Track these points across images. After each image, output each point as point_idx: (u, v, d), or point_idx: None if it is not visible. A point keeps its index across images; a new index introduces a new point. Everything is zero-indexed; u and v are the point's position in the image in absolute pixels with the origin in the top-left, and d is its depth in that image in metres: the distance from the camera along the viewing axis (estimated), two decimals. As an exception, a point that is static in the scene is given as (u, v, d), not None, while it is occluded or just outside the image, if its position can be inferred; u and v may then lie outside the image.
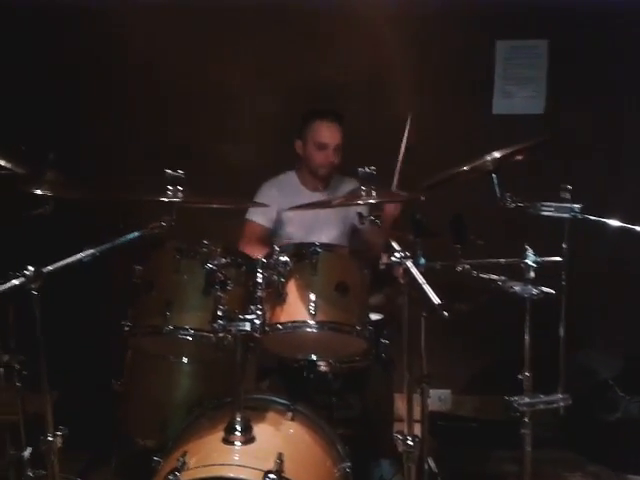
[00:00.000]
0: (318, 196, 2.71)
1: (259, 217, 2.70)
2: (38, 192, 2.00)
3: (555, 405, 1.81)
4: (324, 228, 2.71)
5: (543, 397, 1.81)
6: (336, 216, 2.74)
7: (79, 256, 1.83)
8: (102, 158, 3.21)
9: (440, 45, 3.19)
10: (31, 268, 1.67)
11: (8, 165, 2.07)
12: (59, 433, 1.75)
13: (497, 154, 1.94)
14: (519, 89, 3.25)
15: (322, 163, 2.67)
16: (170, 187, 1.95)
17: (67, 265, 1.79)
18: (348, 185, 2.70)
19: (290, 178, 2.79)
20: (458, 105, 3.20)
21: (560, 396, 1.82)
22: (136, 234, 1.96)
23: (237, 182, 3.07)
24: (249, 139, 3.25)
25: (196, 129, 3.26)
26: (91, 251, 1.84)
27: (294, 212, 2.62)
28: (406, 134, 2.50)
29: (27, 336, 1.76)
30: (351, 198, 2.25)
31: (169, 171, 1.98)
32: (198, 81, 3.24)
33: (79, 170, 2.08)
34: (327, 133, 2.66)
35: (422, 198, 1.99)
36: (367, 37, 3.20)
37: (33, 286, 1.67)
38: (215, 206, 2.15)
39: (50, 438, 1.72)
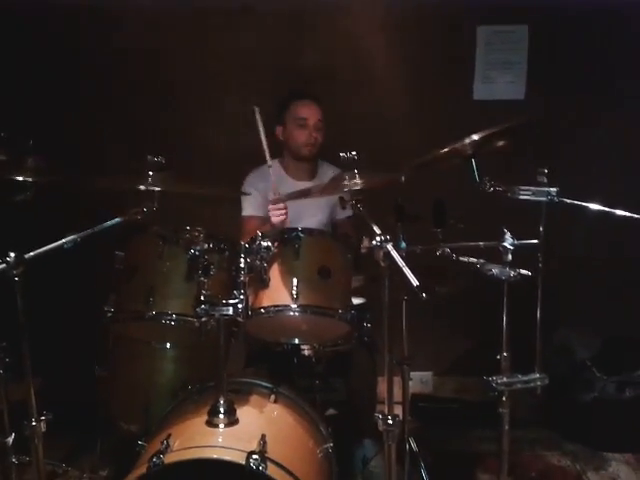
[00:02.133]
0: (303, 185, 2.70)
1: (253, 210, 2.71)
2: (19, 178, 2.00)
3: (532, 385, 1.85)
4: (311, 215, 2.71)
5: (521, 377, 1.85)
6: (323, 203, 2.75)
7: (61, 242, 1.83)
8: (84, 145, 3.18)
9: (421, 30, 3.20)
10: (12, 254, 1.66)
11: (-12, 152, 2.06)
12: (43, 418, 1.75)
13: (476, 136, 1.95)
14: (500, 74, 3.27)
15: (304, 141, 2.67)
16: (151, 173, 1.96)
17: (49, 251, 1.79)
18: (329, 172, 2.70)
19: (274, 167, 2.79)
20: (439, 91, 3.22)
21: (537, 376, 1.86)
22: (118, 220, 1.96)
23: (221, 170, 3.07)
24: (234, 128, 3.25)
25: (180, 117, 3.25)
26: (73, 237, 1.84)
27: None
28: (260, 127, 2.52)
29: (8, 323, 1.75)
30: (330, 187, 2.25)
31: (151, 157, 1.99)
32: (182, 68, 3.23)
33: (60, 156, 2.07)
34: (306, 109, 2.68)
35: (402, 178, 2.00)
36: (348, 23, 3.19)
37: (15, 272, 1.67)
38: (197, 192, 2.15)
39: (34, 423, 1.73)
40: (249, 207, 2.72)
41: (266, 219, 2.64)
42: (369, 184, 1.94)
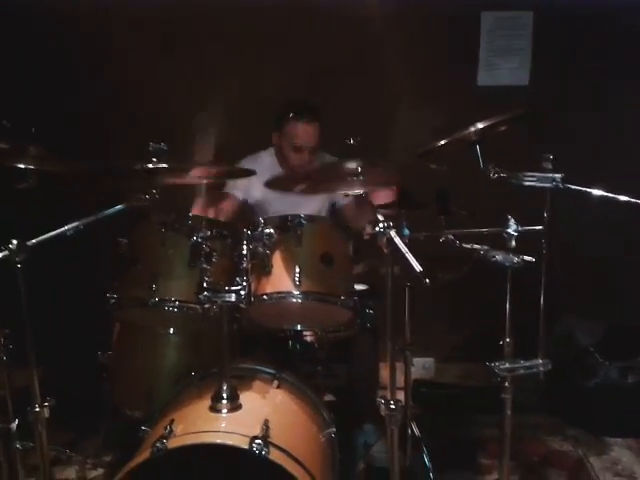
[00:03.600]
0: None
1: (236, 191, 2.72)
2: (21, 166, 1.99)
3: (535, 370, 1.85)
4: (308, 204, 2.69)
5: (523, 362, 1.85)
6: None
7: (63, 229, 1.82)
8: (86, 133, 3.18)
9: (425, 16, 3.17)
10: (15, 241, 1.67)
11: (-10, 139, 2.05)
12: (46, 404, 1.76)
13: (480, 125, 1.94)
14: (504, 61, 3.25)
15: (298, 164, 2.61)
16: (154, 159, 1.96)
17: (51, 238, 1.79)
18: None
19: (269, 156, 2.77)
20: (443, 77, 3.20)
21: (540, 361, 1.86)
22: (120, 207, 1.96)
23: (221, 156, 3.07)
24: (234, 122, 3.24)
25: (183, 104, 3.24)
26: (75, 224, 1.84)
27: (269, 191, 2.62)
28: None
29: (12, 310, 1.76)
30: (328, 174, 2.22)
31: (153, 143, 1.98)
32: (184, 61, 3.21)
33: (62, 144, 2.06)
34: (303, 135, 2.58)
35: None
36: (350, 9, 3.17)
37: (17, 259, 1.67)
38: (197, 177, 2.14)
39: (37, 409, 1.74)
40: (232, 186, 2.72)
41: (243, 204, 2.70)
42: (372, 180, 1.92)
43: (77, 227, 1.84)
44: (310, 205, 2.69)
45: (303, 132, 2.59)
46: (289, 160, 2.65)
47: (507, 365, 1.84)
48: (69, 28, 3.16)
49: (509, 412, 1.88)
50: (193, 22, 3.18)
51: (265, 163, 2.72)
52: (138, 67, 3.21)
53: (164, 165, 1.95)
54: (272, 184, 2.17)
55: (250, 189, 2.70)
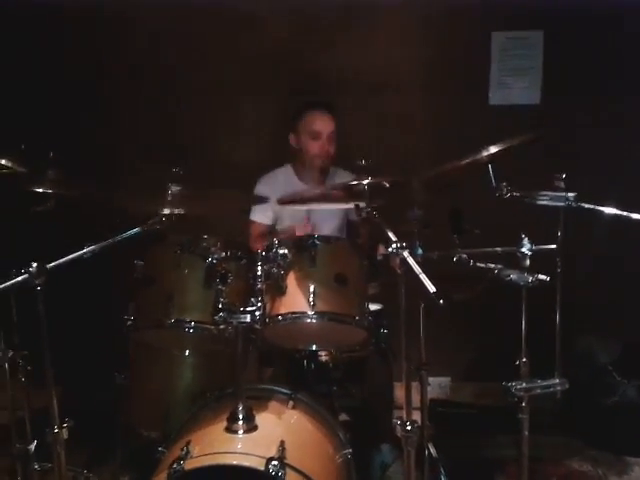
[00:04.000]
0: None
1: (259, 216, 2.77)
2: (39, 190, 2.03)
3: (552, 389, 1.84)
4: (327, 221, 2.73)
5: (540, 382, 1.84)
6: (335, 209, 2.76)
7: (81, 252, 1.85)
8: (102, 156, 3.23)
9: (436, 36, 3.21)
10: (34, 264, 1.69)
11: (9, 164, 2.10)
12: (65, 425, 1.77)
13: (493, 149, 1.95)
14: (515, 80, 3.27)
15: (317, 153, 2.69)
16: (170, 184, 1.99)
17: (69, 261, 1.81)
18: (345, 179, 2.71)
19: (286, 172, 2.82)
20: (454, 96, 3.23)
21: (557, 381, 1.85)
22: (136, 230, 1.98)
23: (237, 178, 3.10)
24: (249, 136, 3.27)
25: (196, 127, 3.28)
26: (92, 247, 1.86)
27: (292, 207, 2.65)
28: None
29: (30, 332, 1.78)
30: (341, 192, 2.25)
31: (175, 169, 2.01)
32: (197, 78, 3.27)
33: (79, 168, 2.10)
34: (319, 122, 2.68)
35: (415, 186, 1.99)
36: (364, 31, 3.21)
37: (37, 282, 1.69)
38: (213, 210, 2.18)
39: (56, 430, 1.75)
40: (256, 212, 2.77)
41: (268, 226, 2.73)
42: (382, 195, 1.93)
43: (94, 250, 1.86)
44: (330, 222, 2.73)
45: (319, 119, 2.69)
46: (308, 151, 2.70)
47: (524, 385, 1.83)
48: (88, 57, 3.23)
49: (526, 432, 1.86)
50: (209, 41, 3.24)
51: (282, 179, 2.76)
52: (153, 98, 3.25)
53: (180, 189, 1.98)
54: (285, 200, 2.20)
55: (275, 208, 2.73)
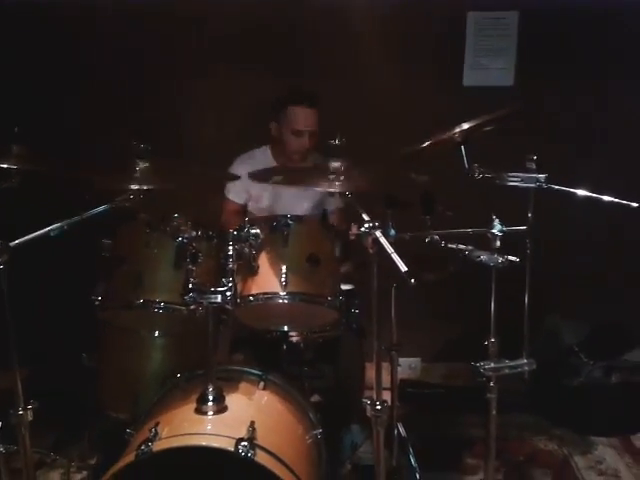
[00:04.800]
0: None
1: (234, 195, 2.75)
2: (4, 166, 1.97)
3: (520, 370, 1.87)
4: (301, 203, 2.72)
5: (508, 362, 1.86)
6: (312, 191, 2.74)
7: (47, 230, 1.80)
8: (69, 132, 3.15)
9: (411, 16, 3.18)
10: (-3, 242, 1.65)
11: (-27, 140, 2.03)
12: (29, 407, 1.74)
13: (465, 126, 1.95)
14: (489, 61, 3.27)
15: (297, 149, 2.65)
16: (138, 160, 1.95)
17: (35, 239, 1.77)
18: (318, 161, 2.69)
19: (263, 154, 2.78)
20: (428, 77, 3.21)
21: (525, 361, 1.88)
22: (104, 207, 1.94)
23: (208, 156, 3.07)
24: (225, 113, 3.23)
25: (166, 104, 3.22)
26: (59, 224, 1.82)
27: (265, 187, 2.62)
28: None
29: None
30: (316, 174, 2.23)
31: (137, 144, 1.96)
32: (168, 53, 3.20)
33: (45, 144, 2.04)
34: (302, 119, 2.61)
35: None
36: (339, 9, 3.17)
37: (0, 260, 1.65)
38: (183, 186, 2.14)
39: (20, 412, 1.72)
40: (231, 191, 2.75)
41: (243, 206, 2.71)
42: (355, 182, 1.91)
43: (61, 227, 1.82)
44: (302, 203, 2.72)
45: (303, 116, 2.61)
46: (289, 146, 2.66)
47: (492, 365, 1.85)
48: (58, 33, 3.14)
49: (494, 412, 1.89)
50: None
51: (259, 160, 2.73)
52: (125, 68, 3.18)
53: (147, 165, 1.94)
54: (257, 176, 2.17)
55: (249, 189, 2.71)
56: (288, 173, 2.37)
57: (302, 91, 2.67)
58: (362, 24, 3.20)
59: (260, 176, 2.20)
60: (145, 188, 1.92)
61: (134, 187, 1.92)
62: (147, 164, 1.94)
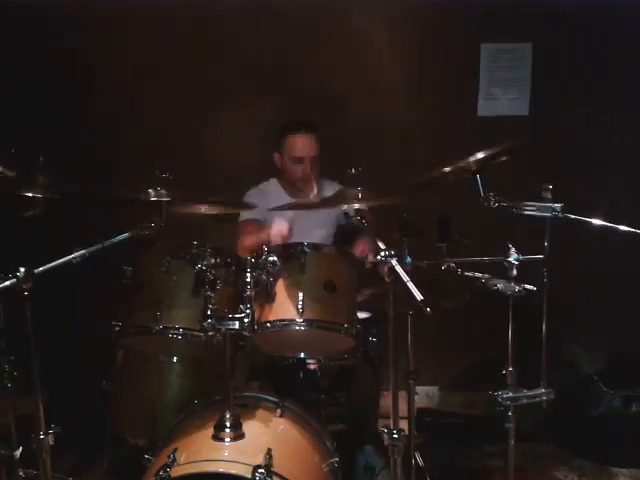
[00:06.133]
0: None
1: (251, 214, 2.72)
2: (29, 194, 2.02)
3: (538, 399, 1.86)
4: (316, 229, 2.73)
5: (526, 392, 1.85)
6: (327, 218, 2.78)
7: (69, 257, 1.84)
8: (92, 161, 3.21)
9: (425, 48, 3.24)
10: (22, 269, 1.68)
11: (-1, 168, 2.09)
12: (51, 431, 1.76)
13: (480, 155, 1.97)
14: (504, 91, 3.30)
15: (300, 176, 2.72)
16: (159, 189, 1.99)
17: (58, 266, 1.81)
18: (330, 189, 2.73)
19: (272, 185, 2.84)
20: (443, 108, 3.25)
21: (543, 390, 1.86)
22: (125, 235, 1.98)
23: (227, 185, 3.11)
24: (240, 143, 3.28)
25: (186, 134, 3.28)
26: (81, 252, 1.86)
27: (280, 217, 2.65)
28: None
29: (17, 337, 1.77)
30: (329, 201, 2.26)
31: (159, 173, 2.01)
32: (190, 84, 3.27)
33: (69, 173, 2.09)
34: (301, 146, 2.69)
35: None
36: (354, 40, 3.23)
37: (24, 287, 1.68)
38: (203, 211, 2.18)
39: (42, 436, 1.74)
40: (246, 215, 2.75)
41: (264, 224, 2.66)
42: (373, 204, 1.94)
43: (83, 255, 1.86)
44: (317, 230, 2.73)
45: (301, 143, 2.70)
46: (292, 174, 2.72)
47: (510, 394, 1.84)
48: (80, 59, 3.22)
49: (512, 442, 1.88)
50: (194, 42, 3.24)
51: (269, 193, 2.77)
52: (139, 101, 3.25)
53: (167, 194, 1.99)
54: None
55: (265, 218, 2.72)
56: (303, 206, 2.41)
57: (299, 120, 2.76)
58: (376, 54, 3.25)
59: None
60: (165, 211, 1.96)
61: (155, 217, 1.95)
62: (165, 192, 1.98)
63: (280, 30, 3.22)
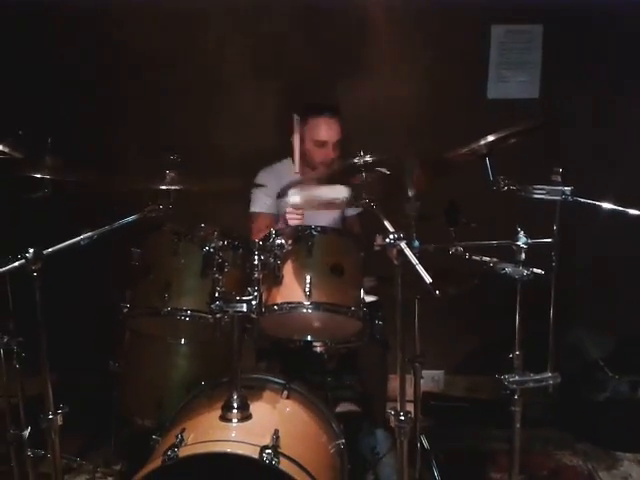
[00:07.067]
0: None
1: (262, 207, 2.71)
2: (37, 175, 2.03)
3: (544, 383, 1.85)
4: (324, 212, 2.71)
5: (533, 375, 1.85)
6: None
7: (78, 239, 1.85)
8: (100, 143, 3.21)
9: (436, 30, 3.20)
10: (31, 250, 1.69)
11: (6, 149, 2.09)
12: (60, 411, 1.77)
13: (491, 137, 1.95)
14: (514, 73, 3.27)
15: (322, 160, 2.64)
16: (167, 171, 1.99)
17: (66, 247, 1.81)
18: None
19: (286, 166, 2.79)
20: (453, 90, 3.22)
21: (549, 374, 1.86)
22: (134, 217, 1.99)
23: (234, 168, 3.11)
24: (248, 128, 3.26)
25: (195, 117, 3.27)
26: (90, 234, 1.87)
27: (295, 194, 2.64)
28: (296, 136, 2.58)
29: (26, 318, 1.78)
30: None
31: (166, 155, 2.01)
32: (197, 69, 3.25)
33: (77, 155, 2.09)
34: (326, 130, 2.62)
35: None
36: (363, 22, 3.20)
37: (33, 268, 1.69)
38: (213, 190, 2.17)
39: (51, 416, 1.75)
40: (258, 204, 2.72)
41: (275, 217, 2.66)
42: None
43: (91, 237, 1.87)
44: (325, 213, 2.71)
45: (325, 126, 2.62)
46: (313, 157, 2.65)
47: (517, 378, 1.84)
48: (86, 43, 3.21)
49: (518, 425, 1.88)
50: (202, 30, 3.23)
51: (283, 173, 2.73)
52: (151, 81, 3.24)
53: (175, 176, 1.99)
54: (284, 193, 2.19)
55: (269, 200, 2.69)
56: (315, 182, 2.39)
57: (322, 102, 2.70)
58: (385, 37, 3.22)
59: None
60: (173, 194, 1.96)
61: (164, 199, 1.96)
62: (177, 175, 1.98)
63: (282, 12, 3.18)
